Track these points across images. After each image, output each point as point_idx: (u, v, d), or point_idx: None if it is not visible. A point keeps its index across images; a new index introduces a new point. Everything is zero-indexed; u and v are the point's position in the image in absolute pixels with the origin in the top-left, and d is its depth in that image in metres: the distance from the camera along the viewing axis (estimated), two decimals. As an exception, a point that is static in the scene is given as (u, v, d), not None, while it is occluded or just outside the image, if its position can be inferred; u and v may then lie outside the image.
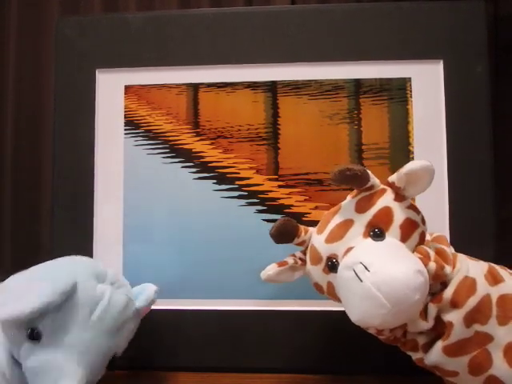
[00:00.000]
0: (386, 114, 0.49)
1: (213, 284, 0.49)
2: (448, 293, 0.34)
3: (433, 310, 0.34)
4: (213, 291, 0.49)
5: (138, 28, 0.51)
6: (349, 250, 0.35)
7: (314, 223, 0.48)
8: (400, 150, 0.49)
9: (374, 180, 0.36)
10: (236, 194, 0.50)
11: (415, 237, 0.35)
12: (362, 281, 0.32)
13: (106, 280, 0.39)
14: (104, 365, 0.38)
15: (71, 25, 0.52)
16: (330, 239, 0.36)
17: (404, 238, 0.35)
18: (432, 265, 0.34)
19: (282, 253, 0.47)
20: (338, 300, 0.36)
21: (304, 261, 0.40)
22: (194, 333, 0.48)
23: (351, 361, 0.46)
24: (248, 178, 0.50)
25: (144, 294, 0.42)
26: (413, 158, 0.48)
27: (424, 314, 0.35)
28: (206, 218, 0.49)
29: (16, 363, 0.37)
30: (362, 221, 0.35)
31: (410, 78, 0.49)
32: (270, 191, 0.49)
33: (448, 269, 0.35)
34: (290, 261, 0.40)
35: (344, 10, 0.50)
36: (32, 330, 0.35)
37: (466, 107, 0.48)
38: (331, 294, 0.37)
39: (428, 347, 0.35)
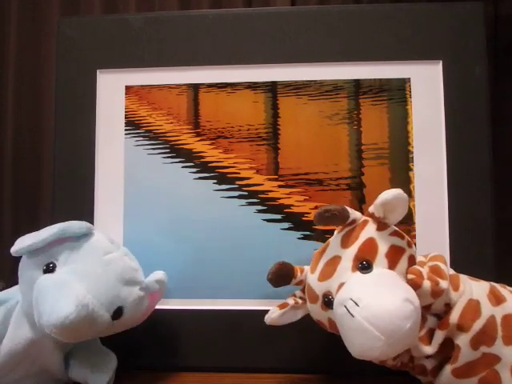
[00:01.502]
0: (386, 114, 0.49)
1: (213, 284, 0.49)
2: (454, 317, 0.35)
3: (440, 336, 0.35)
4: (213, 291, 0.49)
5: (138, 29, 0.51)
6: (341, 285, 0.36)
7: (313, 223, 0.48)
8: (399, 150, 0.49)
9: (355, 214, 0.38)
10: (236, 193, 0.50)
11: (403, 262, 0.36)
12: (353, 316, 0.32)
13: (119, 249, 0.42)
14: (108, 308, 0.38)
15: (72, 25, 0.52)
16: (322, 277, 0.37)
17: (392, 266, 0.36)
18: (426, 283, 0.35)
19: (282, 253, 0.48)
20: None
21: (304, 299, 0.41)
22: (194, 333, 0.48)
23: (351, 361, 0.46)
24: (248, 178, 0.50)
25: (151, 276, 0.43)
26: (412, 158, 0.48)
27: (427, 338, 0.36)
28: (206, 218, 0.49)
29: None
30: (348, 256, 0.36)
31: (409, 79, 0.49)
32: (270, 191, 0.49)
33: (444, 284, 0.35)
34: (291, 301, 0.41)
35: (343, 11, 0.50)
36: (48, 264, 0.38)
37: (465, 108, 0.48)
38: (334, 329, 0.38)
39: (437, 371, 0.36)
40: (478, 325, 0.34)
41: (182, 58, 0.51)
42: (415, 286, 0.35)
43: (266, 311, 0.42)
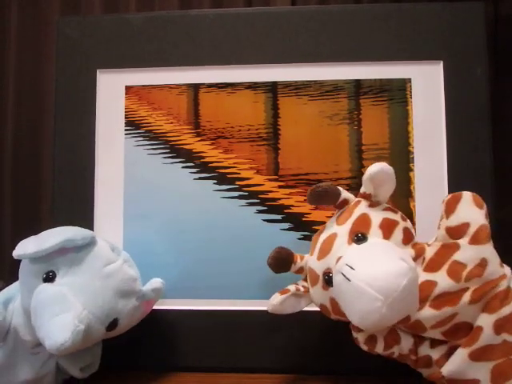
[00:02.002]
0: (386, 114, 0.49)
1: (213, 284, 0.49)
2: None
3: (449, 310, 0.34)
4: (213, 291, 0.49)
5: (138, 28, 0.51)
6: (339, 259, 0.36)
7: (314, 223, 0.48)
8: (400, 150, 0.49)
9: (347, 194, 0.40)
10: (236, 194, 0.50)
11: (398, 233, 0.37)
12: (349, 280, 0.33)
13: (120, 256, 0.42)
14: (105, 322, 0.39)
15: (72, 25, 0.52)
16: (321, 255, 0.38)
17: (386, 236, 0.37)
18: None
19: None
20: (345, 316, 0.37)
21: (307, 288, 0.41)
22: (193, 333, 0.48)
23: (351, 361, 0.46)
24: (248, 179, 0.50)
25: (150, 284, 0.44)
26: (413, 159, 0.48)
27: (436, 304, 0.35)
28: (207, 218, 0.49)
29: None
30: (343, 231, 0.38)
31: (409, 79, 0.49)
32: (271, 191, 0.49)
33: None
34: (292, 288, 0.41)
35: (344, 10, 0.50)
36: (48, 272, 0.38)
37: (465, 108, 0.48)
38: (336, 311, 0.38)
39: (445, 359, 0.36)
40: (506, 310, 0.34)
41: (183, 58, 0.51)
42: (420, 250, 0.36)
43: (266, 311, 0.42)
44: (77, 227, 0.41)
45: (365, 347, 0.38)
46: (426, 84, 0.49)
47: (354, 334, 0.38)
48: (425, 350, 0.37)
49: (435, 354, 0.36)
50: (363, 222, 0.37)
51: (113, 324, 0.40)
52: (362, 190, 0.39)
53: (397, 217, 0.38)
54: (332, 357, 0.46)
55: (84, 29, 0.52)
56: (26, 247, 0.38)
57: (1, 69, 0.74)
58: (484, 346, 0.34)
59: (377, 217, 0.37)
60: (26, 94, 0.74)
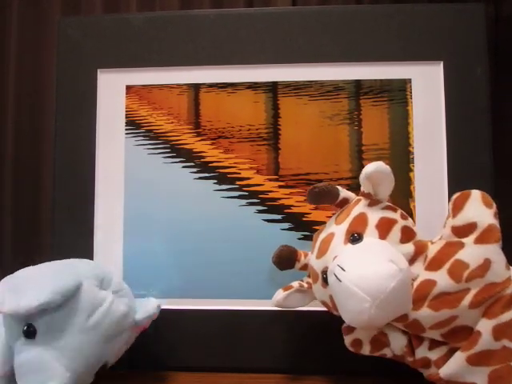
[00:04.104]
0: (386, 114, 0.49)
1: (213, 284, 0.49)
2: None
3: (447, 313, 0.34)
4: (213, 291, 0.49)
5: (139, 28, 0.51)
6: (334, 259, 0.36)
7: (314, 223, 0.48)
8: (400, 150, 0.49)
9: (347, 193, 0.40)
10: (236, 194, 0.50)
11: (395, 232, 0.37)
12: (340, 281, 0.34)
13: (109, 287, 0.40)
14: (93, 372, 0.38)
15: (73, 25, 0.52)
16: (319, 254, 0.39)
17: (382, 236, 0.37)
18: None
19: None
20: None
21: (311, 284, 0.41)
22: (194, 333, 0.48)
23: (351, 361, 0.46)
24: (248, 178, 0.50)
25: (144, 309, 0.42)
26: (413, 159, 0.48)
27: (435, 306, 0.34)
28: (207, 218, 0.49)
29: (10, 350, 0.37)
30: (341, 231, 0.38)
31: (410, 80, 0.49)
32: (271, 191, 0.49)
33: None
34: (296, 284, 0.42)
35: (344, 11, 0.50)
36: (29, 326, 0.35)
37: (465, 108, 0.48)
38: (336, 308, 0.38)
39: (444, 360, 0.35)
40: (506, 316, 0.33)
41: (183, 58, 0.51)
42: (422, 247, 0.36)
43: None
44: (60, 273, 0.37)
45: (352, 349, 0.39)
46: (426, 84, 0.49)
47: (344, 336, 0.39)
48: (423, 351, 0.36)
49: (434, 355, 0.36)
50: (360, 222, 0.37)
51: (102, 368, 0.39)
52: (362, 188, 0.39)
53: (396, 215, 0.38)
54: (332, 357, 0.46)
55: (85, 29, 0.52)
56: (1, 301, 0.35)
57: (1, 69, 0.74)
58: (482, 351, 0.33)
59: (374, 216, 0.37)
60: (26, 94, 0.74)
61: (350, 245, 0.37)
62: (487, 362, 0.33)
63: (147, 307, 0.42)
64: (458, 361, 0.34)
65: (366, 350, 0.38)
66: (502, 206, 0.38)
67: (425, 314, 0.34)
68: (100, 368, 0.39)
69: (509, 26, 0.66)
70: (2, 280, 0.37)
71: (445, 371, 0.35)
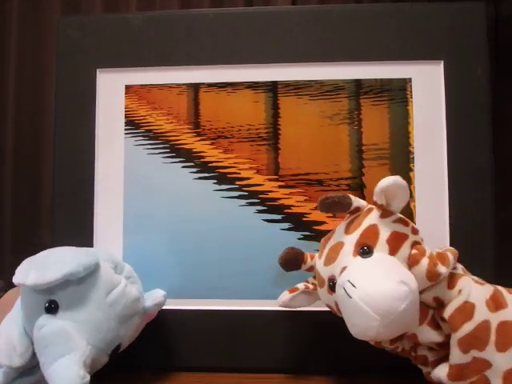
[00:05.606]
0: (387, 114, 0.49)
1: (213, 284, 0.49)
2: (445, 315, 0.35)
3: (446, 327, 0.35)
4: (213, 291, 0.49)
5: (138, 28, 0.51)
6: (343, 269, 0.36)
7: (314, 223, 0.48)
8: (400, 150, 0.49)
9: (359, 202, 0.39)
10: (236, 194, 0.50)
11: (405, 248, 0.36)
12: (350, 297, 0.33)
13: (122, 272, 0.42)
14: (108, 351, 0.39)
15: (72, 24, 0.52)
16: (327, 262, 0.39)
17: (392, 251, 0.36)
18: (425, 260, 0.35)
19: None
20: None
21: (316, 285, 0.42)
22: (193, 333, 0.48)
23: (351, 361, 0.46)
24: (248, 178, 0.50)
25: (152, 297, 0.44)
26: (413, 159, 0.48)
27: (435, 325, 0.36)
28: (206, 218, 0.49)
29: (27, 338, 0.38)
30: (350, 241, 0.37)
31: (410, 79, 0.49)
32: (271, 191, 0.49)
33: (442, 268, 0.35)
34: (301, 286, 0.43)
35: (344, 10, 0.50)
36: (50, 302, 0.37)
37: (466, 108, 0.48)
38: (341, 312, 0.38)
39: (436, 364, 0.36)
40: (467, 327, 0.34)
41: (183, 58, 0.51)
42: (414, 261, 0.36)
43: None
44: (80, 252, 0.39)
45: (373, 342, 0.38)
46: (427, 84, 0.49)
47: None
48: (422, 350, 0.38)
49: (431, 355, 0.37)
50: (371, 235, 0.37)
51: (115, 350, 0.40)
52: (375, 199, 0.38)
53: (406, 230, 0.37)
54: (332, 357, 0.46)
55: (84, 28, 0.52)
56: (25, 275, 0.36)
57: (1, 69, 0.74)
58: (456, 366, 0.34)
59: (386, 230, 0.37)
60: (27, 94, 0.74)
61: (359, 258, 0.36)
62: (463, 376, 0.34)
63: (154, 296, 0.44)
64: (441, 373, 0.35)
65: (387, 342, 0.38)
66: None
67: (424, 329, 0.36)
68: (113, 350, 0.39)
69: (509, 26, 0.66)
70: (24, 260, 0.38)
71: (434, 374, 0.36)
